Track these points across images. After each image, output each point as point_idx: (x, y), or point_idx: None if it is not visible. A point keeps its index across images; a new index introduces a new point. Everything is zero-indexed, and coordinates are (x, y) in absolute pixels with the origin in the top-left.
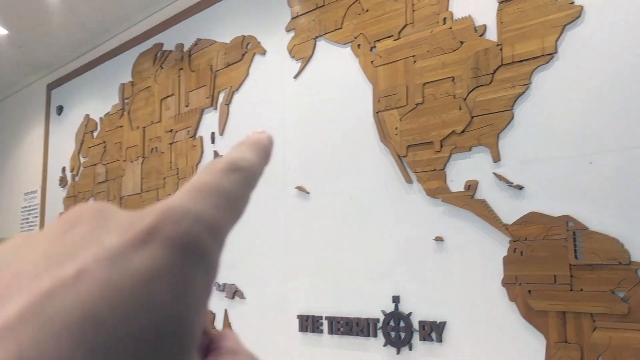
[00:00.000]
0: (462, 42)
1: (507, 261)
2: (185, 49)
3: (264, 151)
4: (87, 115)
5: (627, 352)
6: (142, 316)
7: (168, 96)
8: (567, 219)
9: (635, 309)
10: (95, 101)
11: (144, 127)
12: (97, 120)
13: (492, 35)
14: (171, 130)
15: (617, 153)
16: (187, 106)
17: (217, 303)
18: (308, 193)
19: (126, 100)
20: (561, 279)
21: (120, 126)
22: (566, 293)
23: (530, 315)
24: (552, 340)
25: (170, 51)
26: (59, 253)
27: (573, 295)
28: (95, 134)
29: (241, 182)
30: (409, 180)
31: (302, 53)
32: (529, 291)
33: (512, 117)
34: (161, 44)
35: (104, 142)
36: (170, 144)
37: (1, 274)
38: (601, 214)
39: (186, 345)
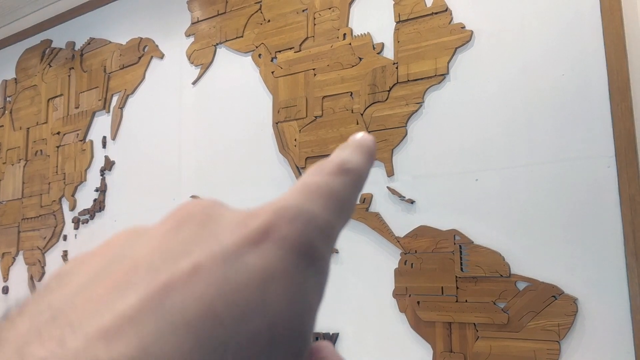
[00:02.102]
0: (360, 59)
1: (397, 273)
2: (77, 47)
3: (370, 153)
4: None
5: None
6: (257, 317)
7: (56, 96)
8: (454, 232)
9: (514, 319)
10: None
11: (28, 128)
12: None
13: (389, 53)
14: (58, 133)
15: (500, 171)
16: (77, 108)
17: None
18: None
19: (8, 99)
20: (448, 291)
21: (1, 126)
22: (452, 304)
23: (419, 325)
24: (438, 350)
25: (60, 49)
26: (173, 248)
27: (458, 307)
28: None
29: (350, 184)
30: None
31: (201, 59)
32: (418, 302)
33: (406, 134)
34: (50, 41)
35: None
36: (57, 147)
37: (118, 265)
38: (485, 229)
39: (299, 350)
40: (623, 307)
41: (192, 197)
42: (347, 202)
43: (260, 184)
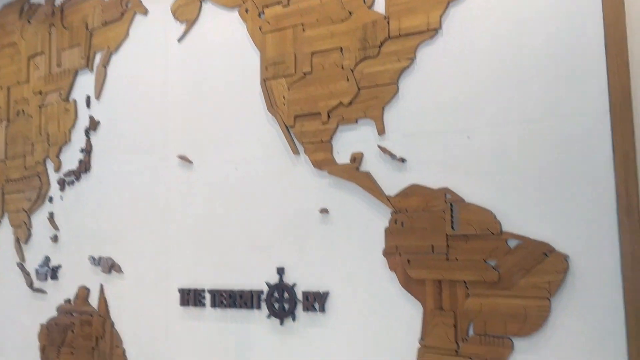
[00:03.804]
0: (350, 13)
1: (388, 232)
2: (57, 3)
3: None
4: None
5: (495, 317)
6: None
7: (37, 54)
8: (445, 191)
9: (504, 276)
10: None
11: (9, 87)
12: None
13: (380, 7)
14: (41, 92)
15: (493, 128)
16: (59, 66)
17: (92, 278)
18: (191, 163)
19: None
20: (438, 249)
21: None
22: (442, 262)
23: (409, 284)
24: (428, 307)
25: (39, 4)
26: None
27: (449, 265)
28: None
29: None
30: (295, 152)
31: (186, 15)
32: (408, 261)
33: (397, 91)
34: None
35: None
36: (40, 106)
37: None
38: (476, 187)
39: None
40: (614, 264)
41: (180, 156)
42: None
43: (248, 143)
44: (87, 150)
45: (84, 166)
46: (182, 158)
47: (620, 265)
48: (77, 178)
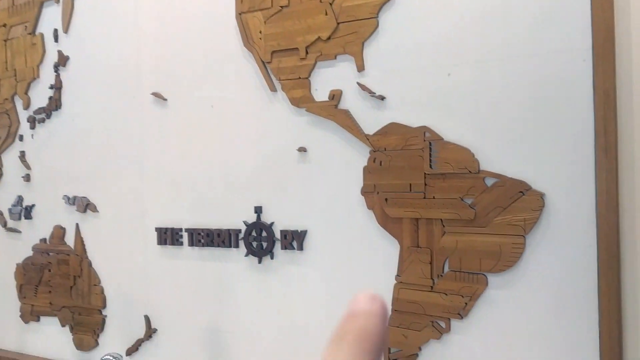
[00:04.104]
0: None
1: (366, 171)
2: None
3: (375, 349)
4: None
5: (471, 254)
6: None
7: None
8: (424, 129)
9: (480, 214)
10: None
11: None
12: None
13: None
14: (5, 25)
15: (474, 65)
16: None
17: (67, 217)
18: (165, 100)
19: None
20: (416, 188)
21: None
22: (420, 201)
23: (386, 222)
24: (405, 245)
25: None
26: None
27: (426, 203)
28: None
29: None
30: (273, 89)
31: None
32: (386, 199)
33: (377, 25)
34: None
35: None
36: (5, 40)
37: None
38: (456, 125)
39: None
40: (589, 202)
41: (154, 93)
42: None
43: (224, 80)
44: (57, 87)
45: (55, 103)
46: (156, 95)
47: (595, 203)
48: (48, 116)
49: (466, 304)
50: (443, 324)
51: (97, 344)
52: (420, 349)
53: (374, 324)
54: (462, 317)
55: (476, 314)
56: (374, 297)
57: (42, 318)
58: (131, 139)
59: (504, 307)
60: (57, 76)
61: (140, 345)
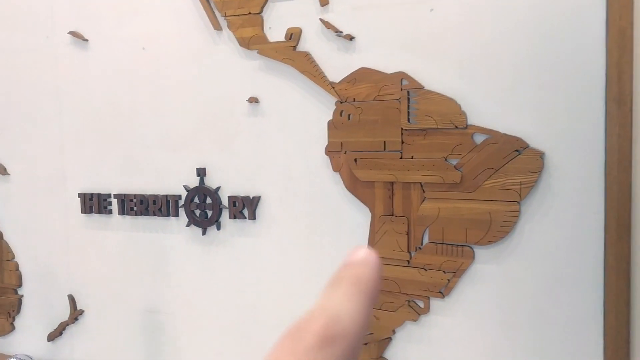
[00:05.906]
0: None
1: (331, 126)
2: None
3: (370, 295)
4: None
5: (455, 223)
6: None
7: None
8: (401, 76)
9: (468, 177)
10: None
11: None
12: None
13: None
14: None
15: None
16: None
17: None
18: (86, 41)
19: None
20: (391, 146)
21: None
22: (396, 161)
23: (355, 186)
24: (377, 213)
25: None
26: None
27: (403, 164)
28: None
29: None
30: (217, 27)
31: None
32: (355, 160)
33: None
34: None
35: None
36: None
37: None
38: (439, 71)
39: None
40: (596, 162)
41: (71, 33)
42: None
43: (158, 16)
44: None
45: None
46: (75, 35)
47: (604, 163)
48: None
49: (449, 280)
50: (421, 304)
51: (13, 327)
52: (394, 332)
53: (369, 272)
54: (443, 296)
55: (460, 292)
56: (369, 251)
57: None
58: (45, 88)
59: (493, 285)
60: None
61: (64, 329)
